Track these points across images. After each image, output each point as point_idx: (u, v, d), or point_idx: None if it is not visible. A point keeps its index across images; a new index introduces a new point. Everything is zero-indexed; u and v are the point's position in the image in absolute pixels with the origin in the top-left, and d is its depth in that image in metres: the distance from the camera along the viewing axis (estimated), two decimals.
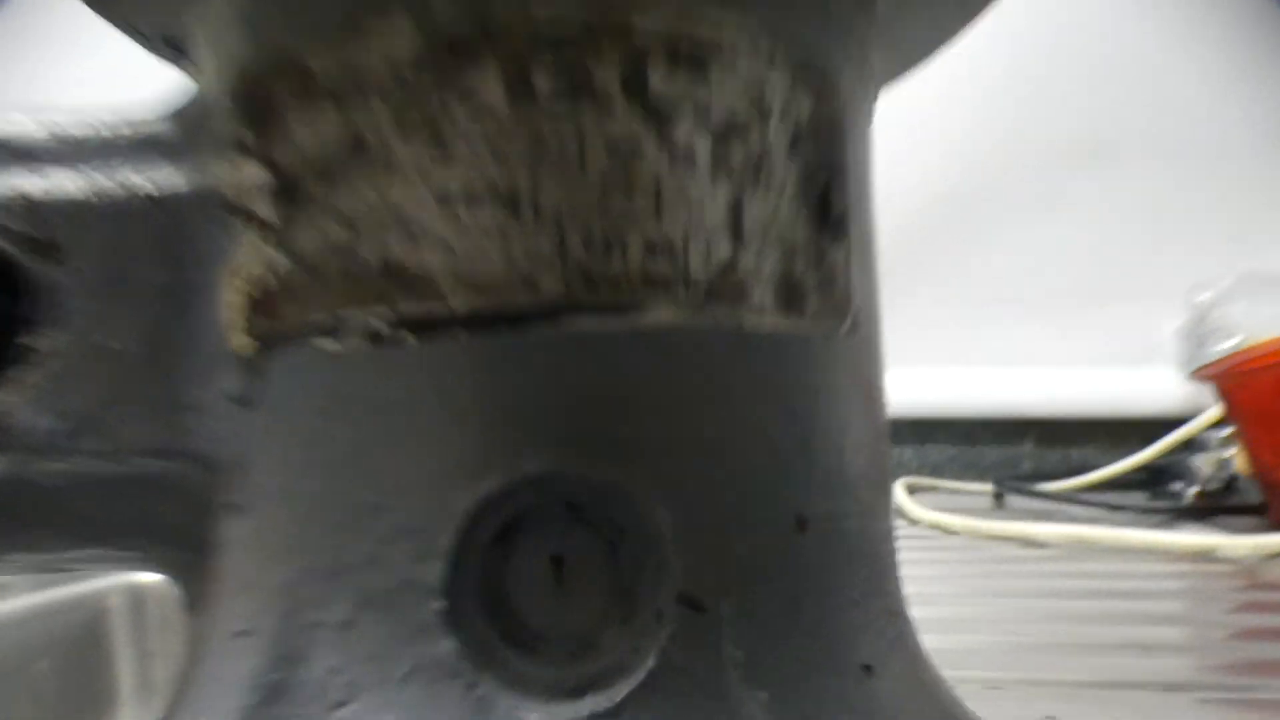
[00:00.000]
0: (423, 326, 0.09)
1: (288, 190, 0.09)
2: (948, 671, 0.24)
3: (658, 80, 0.09)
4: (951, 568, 0.41)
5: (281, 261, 0.09)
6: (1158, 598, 0.34)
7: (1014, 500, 0.63)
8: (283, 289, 0.09)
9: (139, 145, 0.10)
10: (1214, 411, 0.57)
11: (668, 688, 0.08)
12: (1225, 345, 0.63)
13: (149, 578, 0.43)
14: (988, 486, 0.66)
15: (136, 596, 0.47)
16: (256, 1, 0.10)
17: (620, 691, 0.08)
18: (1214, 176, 0.71)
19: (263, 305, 0.09)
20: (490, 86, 0.09)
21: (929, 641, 0.28)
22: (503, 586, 0.09)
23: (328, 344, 0.09)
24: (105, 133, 0.10)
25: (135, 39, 0.15)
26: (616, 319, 0.09)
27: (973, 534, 0.48)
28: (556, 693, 0.08)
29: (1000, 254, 0.74)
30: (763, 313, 0.09)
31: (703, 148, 0.09)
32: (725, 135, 0.09)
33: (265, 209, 0.09)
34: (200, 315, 0.10)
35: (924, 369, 0.73)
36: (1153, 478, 0.65)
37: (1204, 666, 0.26)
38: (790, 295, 0.10)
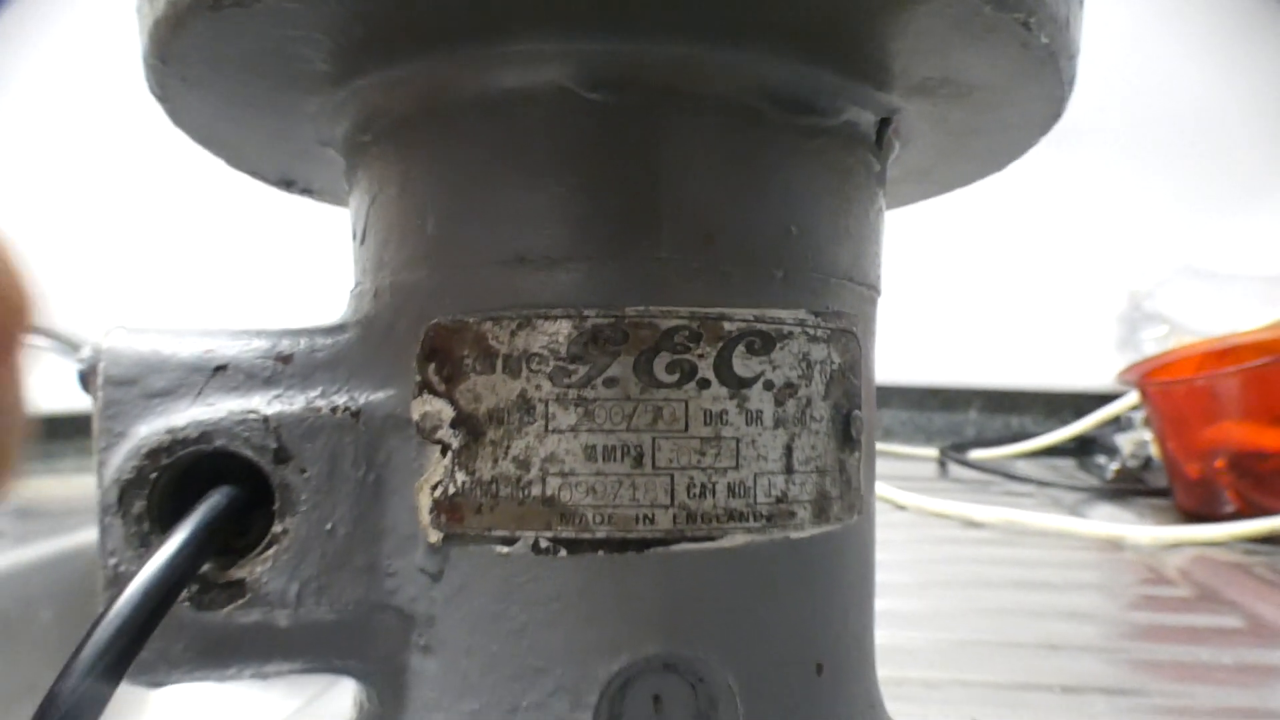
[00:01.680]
0: (573, 545, 0.12)
1: (468, 426, 0.13)
2: (894, 671, 0.29)
3: (739, 362, 0.13)
4: (900, 550, 0.47)
5: (462, 479, 0.13)
6: (1074, 590, 0.40)
7: (956, 467, 0.69)
8: (464, 501, 0.13)
9: (335, 364, 0.13)
10: (1136, 395, 0.63)
11: None
12: (1153, 333, 0.69)
13: None
14: (933, 451, 0.72)
15: None
16: (446, 288, 0.13)
17: None
18: (1163, 172, 0.76)
19: (447, 510, 0.13)
20: (624, 371, 0.12)
21: (909, 636, 0.34)
22: (622, 714, 0.13)
23: (501, 549, 0.12)
24: (308, 348, 0.13)
25: (251, 175, 0.18)
26: (707, 544, 0.12)
27: (920, 511, 0.54)
28: None
29: (954, 230, 0.78)
30: (803, 526, 0.13)
31: (768, 408, 0.13)
32: (783, 395, 0.13)
33: (448, 436, 0.13)
34: (395, 505, 0.13)
35: (879, 339, 0.78)
36: (1082, 448, 0.72)
37: (1106, 668, 0.31)
38: (821, 506, 0.13)
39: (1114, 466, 0.65)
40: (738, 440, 0.13)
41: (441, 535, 0.13)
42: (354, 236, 0.15)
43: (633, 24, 0.12)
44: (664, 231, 0.12)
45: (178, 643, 0.13)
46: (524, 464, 0.12)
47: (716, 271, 0.13)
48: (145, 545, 0.13)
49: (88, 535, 0.58)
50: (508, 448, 0.12)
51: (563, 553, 0.12)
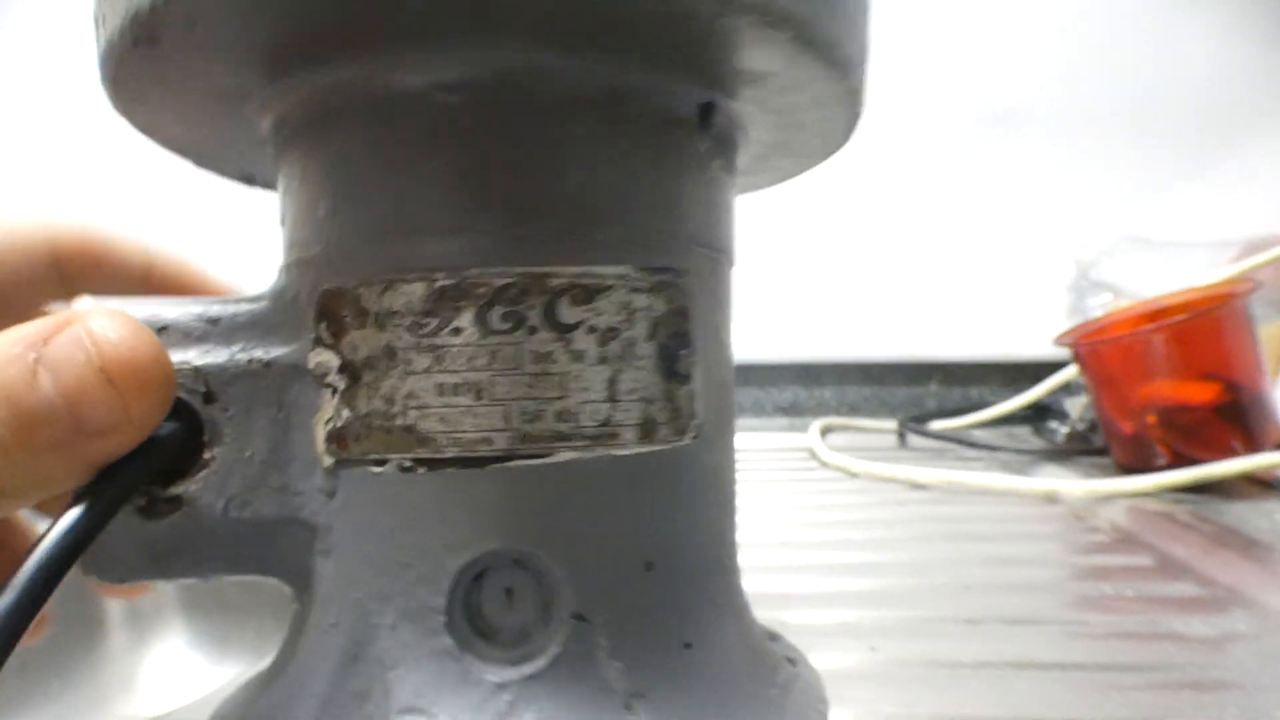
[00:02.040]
0: (429, 464, 0.15)
1: (349, 372, 0.15)
2: (809, 616, 0.32)
3: (564, 311, 0.15)
4: (853, 511, 0.49)
5: (346, 414, 0.15)
6: (1000, 539, 0.42)
7: (915, 438, 0.71)
8: (347, 432, 0.15)
9: (253, 325, 0.16)
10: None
11: (566, 662, 0.15)
12: (1098, 300, 0.71)
13: None
14: (893, 424, 0.75)
15: None
16: (333, 260, 0.16)
17: (541, 664, 0.15)
18: (1107, 148, 0.78)
19: (336, 440, 0.16)
20: (467, 322, 0.15)
21: (833, 585, 0.36)
22: (480, 605, 0.15)
23: (375, 469, 0.15)
24: (232, 313, 0.16)
25: (216, 174, 0.21)
26: (539, 460, 0.15)
27: (871, 477, 0.56)
28: (506, 664, 0.15)
29: (911, 210, 0.80)
30: (627, 445, 0.16)
31: (592, 348, 0.15)
32: (606, 337, 0.15)
33: (336, 380, 0.15)
34: (300, 438, 0.16)
35: (841, 317, 0.80)
36: (1038, 415, 0.74)
37: (1011, 602, 0.34)
38: (647, 429, 0.16)
39: (1064, 430, 0.67)
40: (563, 375, 0.15)
41: (333, 460, 0.16)
42: (279, 222, 0.18)
43: (467, 42, 0.15)
44: (495, 207, 0.15)
45: (131, 547, 0.16)
46: (390, 400, 0.15)
47: (541, 237, 0.15)
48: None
49: None
50: (379, 388, 0.15)
51: (422, 470, 0.15)
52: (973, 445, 0.64)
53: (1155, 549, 0.41)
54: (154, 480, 0.15)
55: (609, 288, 0.15)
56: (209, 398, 0.16)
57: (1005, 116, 0.78)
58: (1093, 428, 0.66)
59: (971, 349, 0.80)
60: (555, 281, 0.15)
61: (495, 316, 0.15)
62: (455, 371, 0.15)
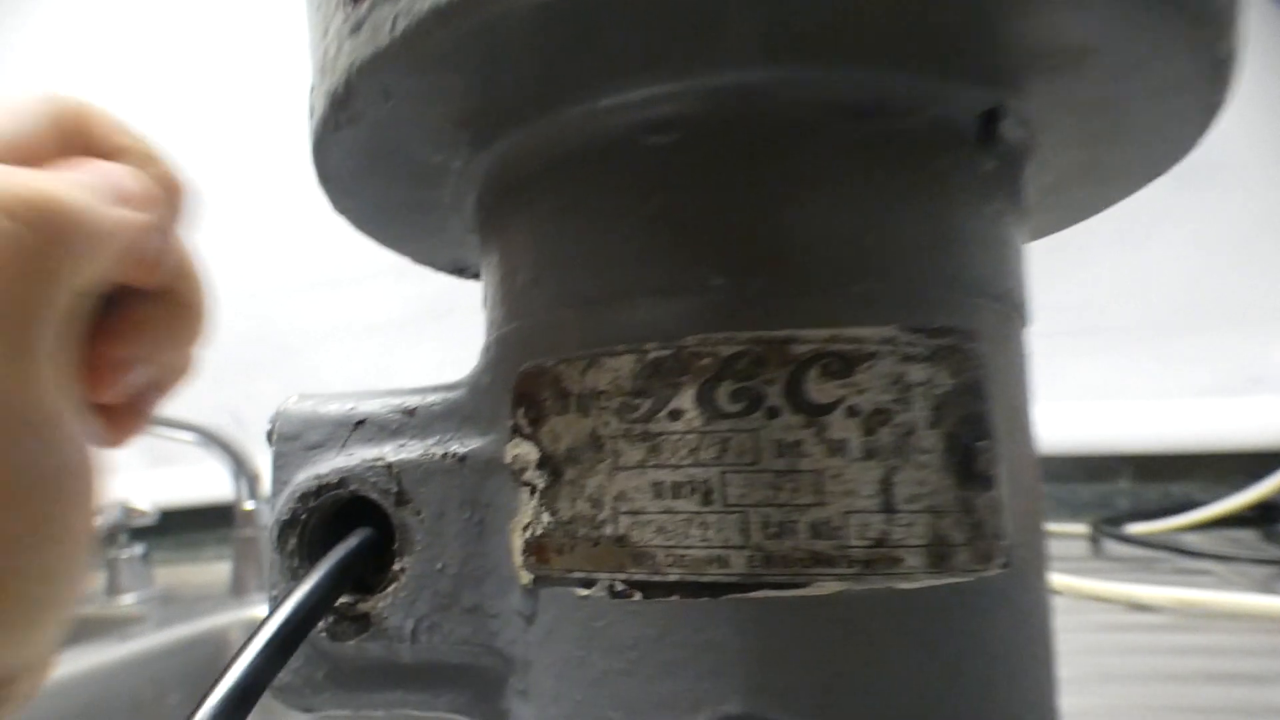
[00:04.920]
0: (646, 589, 0.11)
1: (550, 467, 0.12)
2: None
3: (813, 387, 0.11)
4: (1058, 640, 0.41)
5: (547, 520, 0.12)
6: None
7: (1111, 544, 0.61)
8: (549, 541, 0.12)
9: (449, 415, 0.14)
10: None
11: None
12: None
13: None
14: (1082, 528, 0.65)
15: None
16: (532, 336, 0.13)
17: None
18: None
19: (536, 551, 0.12)
20: (687, 403, 0.11)
21: None
22: None
23: (581, 591, 0.12)
24: (428, 404, 0.14)
25: (434, 269, 0.20)
26: (791, 591, 0.11)
27: (1075, 594, 0.47)
28: None
29: (1096, 278, 0.72)
30: (914, 575, 0.11)
31: (854, 437, 0.11)
32: (873, 423, 0.11)
33: (534, 477, 0.13)
34: (495, 546, 0.13)
35: None
36: (1264, 515, 0.63)
37: None
38: (939, 553, 0.11)
39: None
40: (818, 474, 0.11)
41: (531, 577, 0.13)
42: (481, 305, 0.16)
43: (680, 68, 0.12)
44: (716, 260, 0.12)
45: (319, 670, 0.14)
46: (597, 503, 0.12)
47: (778, 293, 0.12)
48: (295, 578, 0.14)
49: (219, 620, 0.60)
50: (583, 486, 0.12)
51: (638, 596, 0.11)
52: (1193, 554, 0.54)
53: None
54: (346, 593, 0.14)
55: (872, 355, 0.11)
56: (401, 499, 0.14)
57: (1208, 169, 0.70)
58: None
59: (1170, 438, 0.70)
60: (799, 349, 0.11)
61: (723, 395, 0.11)
62: (675, 467, 0.11)
